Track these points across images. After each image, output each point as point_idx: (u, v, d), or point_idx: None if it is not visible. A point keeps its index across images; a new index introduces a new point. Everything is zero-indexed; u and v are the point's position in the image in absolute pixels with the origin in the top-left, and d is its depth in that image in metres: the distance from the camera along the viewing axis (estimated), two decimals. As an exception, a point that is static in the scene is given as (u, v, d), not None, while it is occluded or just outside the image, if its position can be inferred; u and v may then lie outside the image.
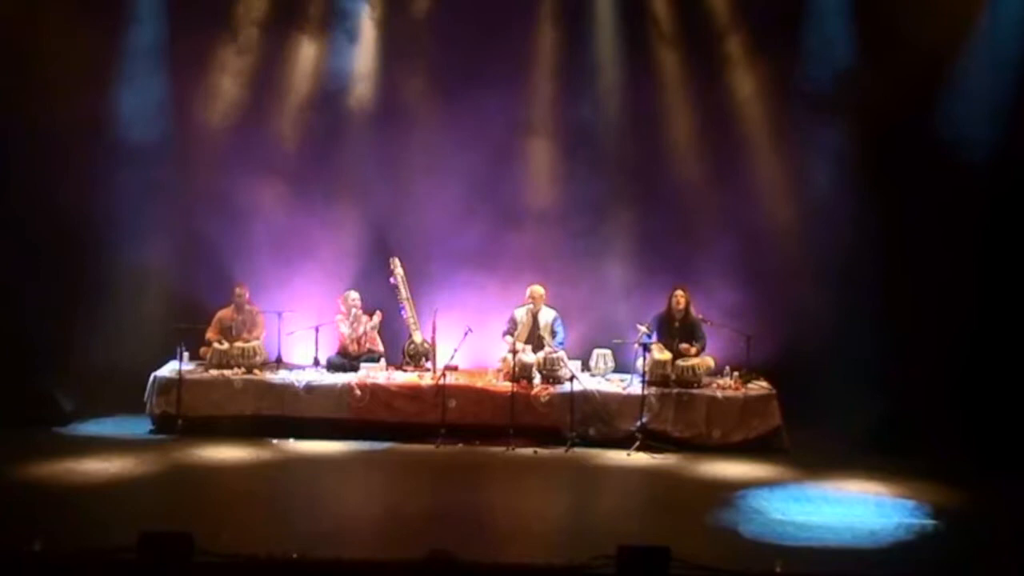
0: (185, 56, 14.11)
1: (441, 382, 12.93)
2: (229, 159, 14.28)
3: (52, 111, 13.57)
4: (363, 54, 14.39)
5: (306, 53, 14.38)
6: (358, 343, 13.75)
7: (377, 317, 13.80)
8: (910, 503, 10.96)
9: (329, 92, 14.41)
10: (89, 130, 13.83)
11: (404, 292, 13.79)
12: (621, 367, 13.61)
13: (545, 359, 13.19)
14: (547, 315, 13.56)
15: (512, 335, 13.40)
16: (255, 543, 8.95)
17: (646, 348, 12.89)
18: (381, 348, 13.76)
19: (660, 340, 13.21)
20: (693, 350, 13.24)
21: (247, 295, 13.71)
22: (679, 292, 13.35)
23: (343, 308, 13.80)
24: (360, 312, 13.83)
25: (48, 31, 13.68)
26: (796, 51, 14.04)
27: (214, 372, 13.22)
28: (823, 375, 13.38)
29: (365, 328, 13.78)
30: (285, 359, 13.68)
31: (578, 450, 12.64)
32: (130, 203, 14.02)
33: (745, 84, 14.26)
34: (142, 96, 14.12)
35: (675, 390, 12.97)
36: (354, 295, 13.86)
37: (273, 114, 14.40)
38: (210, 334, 13.49)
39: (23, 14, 13.64)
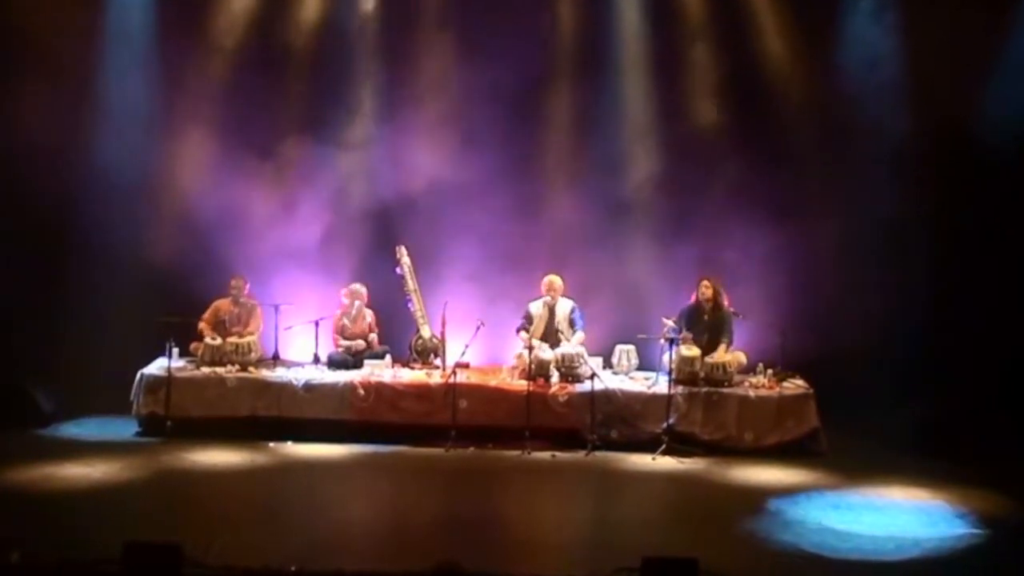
0: (177, 33, 14.15)
1: (451, 380, 12.89)
2: (222, 140, 14.28)
3: (35, 100, 13.62)
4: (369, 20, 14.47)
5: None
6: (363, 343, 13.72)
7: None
8: (958, 511, 10.90)
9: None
10: (73, 116, 13.88)
11: (411, 283, 13.77)
12: (646, 364, 13.57)
13: (563, 356, 13.15)
14: (564, 306, 13.51)
15: (527, 331, 13.36)
16: (249, 554, 8.98)
17: (673, 344, 12.85)
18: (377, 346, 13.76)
19: (688, 335, 13.16)
20: (722, 349, 13.21)
21: (245, 287, 13.68)
22: (705, 282, 13.30)
23: (345, 301, 13.76)
24: (364, 307, 13.80)
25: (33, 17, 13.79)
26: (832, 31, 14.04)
27: (206, 370, 13.19)
28: (864, 373, 13.36)
29: (370, 322, 13.77)
30: (282, 356, 13.69)
31: (599, 454, 12.62)
32: (115, 188, 14.04)
33: (781, 74, 14.28)
34: (130, 81, 14.19)
35: (704, 389, 12.93)
36: (360, 288, 13.79)
37: (273, 86, 14.44)
38: (202, 324, 13.46)
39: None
